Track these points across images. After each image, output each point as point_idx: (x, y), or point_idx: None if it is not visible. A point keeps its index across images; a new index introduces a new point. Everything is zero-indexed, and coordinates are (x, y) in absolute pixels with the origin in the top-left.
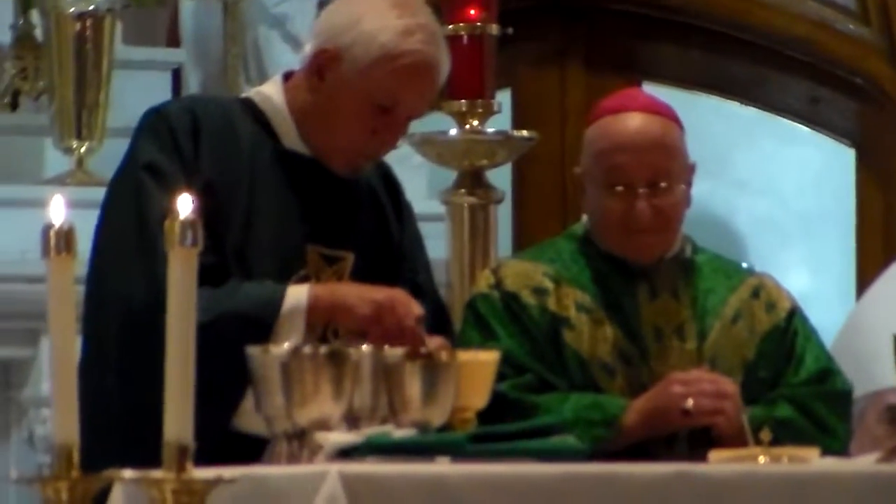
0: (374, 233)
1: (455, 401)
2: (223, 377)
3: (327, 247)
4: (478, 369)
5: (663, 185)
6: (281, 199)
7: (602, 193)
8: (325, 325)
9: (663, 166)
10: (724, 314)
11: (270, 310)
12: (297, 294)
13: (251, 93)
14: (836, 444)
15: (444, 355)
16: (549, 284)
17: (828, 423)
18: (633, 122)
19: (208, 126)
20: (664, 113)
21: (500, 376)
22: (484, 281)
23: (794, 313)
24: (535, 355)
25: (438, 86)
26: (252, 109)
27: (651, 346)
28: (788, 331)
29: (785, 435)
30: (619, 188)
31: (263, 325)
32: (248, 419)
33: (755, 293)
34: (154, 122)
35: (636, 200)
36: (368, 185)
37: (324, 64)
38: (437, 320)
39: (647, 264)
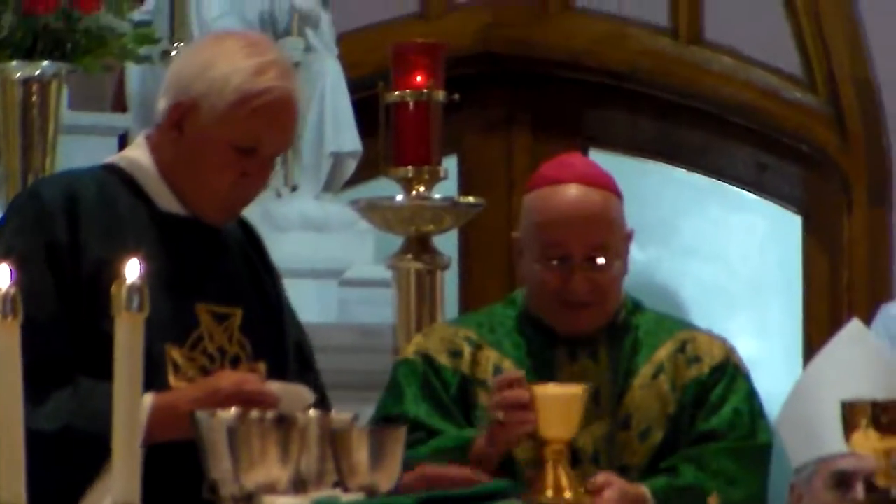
0: (251, 286)
1: (542, 433)
2: (60, 483)
3: (216, 304)
4: (561, 403)
5: (601, 260)
6: (164, 262)
7: (539, 265)
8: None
9: (601, 241)
10: (645, 372)
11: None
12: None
13: (115, 159)
14: (738, 494)
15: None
16: (466, 348)
17: (735, 476)
18: (572, 194)
19: (87, 204)
20: (602, 184)
21: (416, 442)
22: (412, 346)
23: (724, 367)
24: (444, 417)
25: (297, 119)
26: (122, 175)
27: None
28: (708, 383)
29: (691, 500)
30: (556, 262)
31: (105, 443)
32: None
33: (681, 347)
34: (22, 206)
35: (573, 274)
36: (236, 239)
37: (181, 116)
38: (307, 376)
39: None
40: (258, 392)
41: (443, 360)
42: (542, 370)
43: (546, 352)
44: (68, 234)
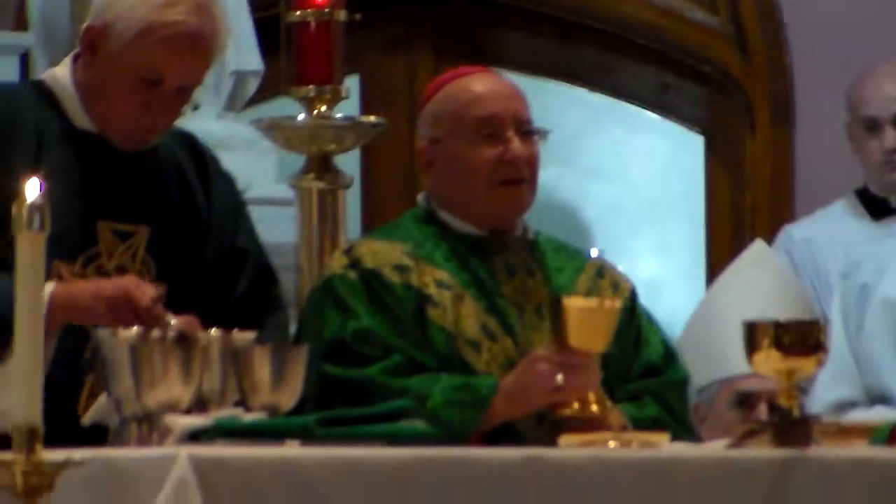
0: (176, 205)
1: (574, 343)
2: None
3: (120, 222)
4: (599, 316)
5: (528, 130)
6: (69, 178)
7: (471, 146)
8: (63, 325)
9: (526, 114)
10: (577, 293)
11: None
12: None
13: (45, 75)
14: (688, 434)
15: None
16: (408, 261)
17: (682, 414)
18: (489, 77)
19: None
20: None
21: (367, 358)
22: (338, 262)
23: (635, 293)
24: (399, 333)
25: (210, 55)
26: (44, 92)
27: (515, 322)
28: (634, 310)
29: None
30: (489, 133)
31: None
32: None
33: (600, 273)
34: None
35: (510, 143)
36: (171, 158)
37: (93, 40)
38: (261, 281)
39: (503, 235)
40: (137, 299)
41: (389, 273)
42: (485, 284)
43: (484, 265)
44: None
